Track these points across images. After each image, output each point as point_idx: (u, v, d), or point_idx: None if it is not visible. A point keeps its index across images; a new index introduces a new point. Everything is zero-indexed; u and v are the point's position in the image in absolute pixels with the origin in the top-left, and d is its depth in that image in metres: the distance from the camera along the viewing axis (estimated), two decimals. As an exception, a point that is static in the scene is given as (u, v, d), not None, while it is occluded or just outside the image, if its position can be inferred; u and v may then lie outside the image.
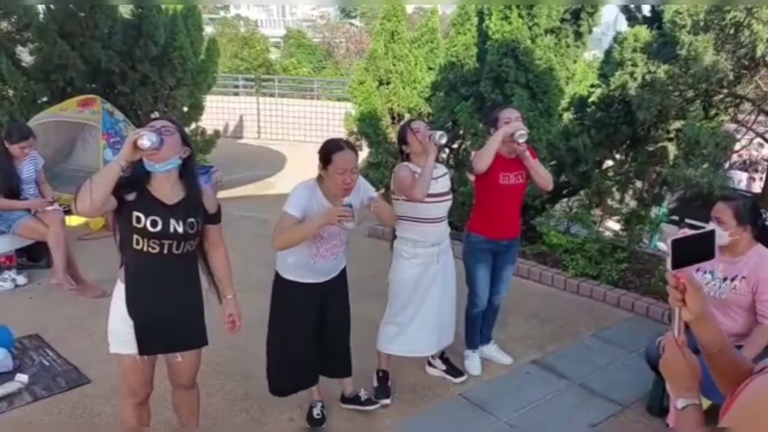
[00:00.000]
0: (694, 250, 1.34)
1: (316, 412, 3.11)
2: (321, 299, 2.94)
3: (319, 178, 2.77)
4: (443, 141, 3.08)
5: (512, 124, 3.26)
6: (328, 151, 2.72)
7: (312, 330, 2.94)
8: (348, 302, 3.10)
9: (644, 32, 4.62)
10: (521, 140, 3.25)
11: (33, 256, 5.04)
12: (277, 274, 2.91)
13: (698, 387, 1.30)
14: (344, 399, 3.26)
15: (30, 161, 4.74)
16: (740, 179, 6.93)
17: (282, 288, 2.91)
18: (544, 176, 3.45)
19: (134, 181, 2.25)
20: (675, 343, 1.33)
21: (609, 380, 3.60)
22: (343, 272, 3.04)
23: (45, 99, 6.77)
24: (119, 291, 2.39)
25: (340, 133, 10.44)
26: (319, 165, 2.77)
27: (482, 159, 3.26)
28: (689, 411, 1.26)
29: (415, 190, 3.02)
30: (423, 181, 3.01)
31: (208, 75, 7.83)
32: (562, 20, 5.02)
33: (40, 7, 6.70)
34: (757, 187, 6.34)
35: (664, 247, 5.95)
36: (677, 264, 1.32)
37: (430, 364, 3.63)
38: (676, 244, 1.32)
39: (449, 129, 5.33)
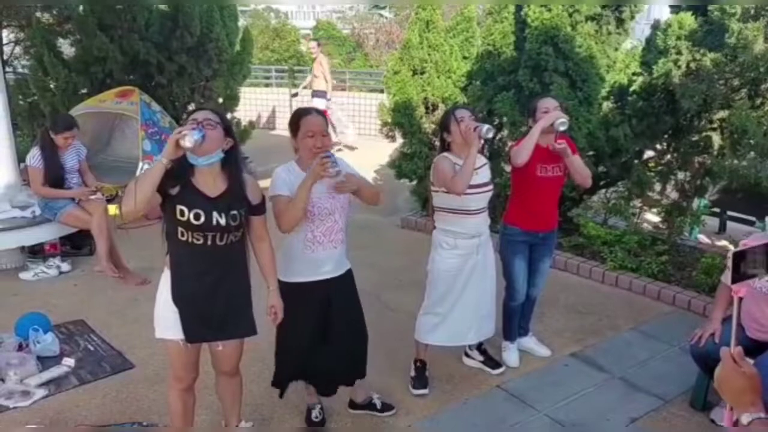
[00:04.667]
0: (756, 263, 1.26)
1: (314, 414, 3.00)
2: (322, 304, 2.74)
3: (299, 160, 2.66)
4: (490, 135, 3.02)
5: (551, 114, 3.19)
6: (296, 118, 2.64)
7: (312, 334, 2.76)
8: (358, 304, 2.91)
9: (689, 19, 4.50)
10: (561, 129, 3.17)
11: (76, 243, 5.16)
12: (278, 281, 2.68)
13: (761, 399, 1.23)
14: (355, 405, 3.11)
15: (73, 151, 4.86)
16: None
17: (283, 293, 2.65)
18: (582, 173, 3.37)
19: (178, 174, 2.27)
20: (731, 358, 1.27)
21: (650, 374, 3.54)
22: (349, 274, 2.86)
23: (85, 90, 6.90)
24: (165, 278, 2.43)
25: (372, 123, 10.41)
26: (290, 138, 2.69)
27: (521, 152, 3.20)
28: (756, 424, 1.21)
29: (455, 183, 2.96)
30: (464, 173, 2.95)
31: (243, 66, 7.87)
32: (603, 6, 4.90)
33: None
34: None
35: (704, 239, 5.81)
36: (738, 278, 1.26)
37: (467, 355, 3.61)
38: (738, 257, 1.25)
39: (492, 121, 5.27)
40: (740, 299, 1.36)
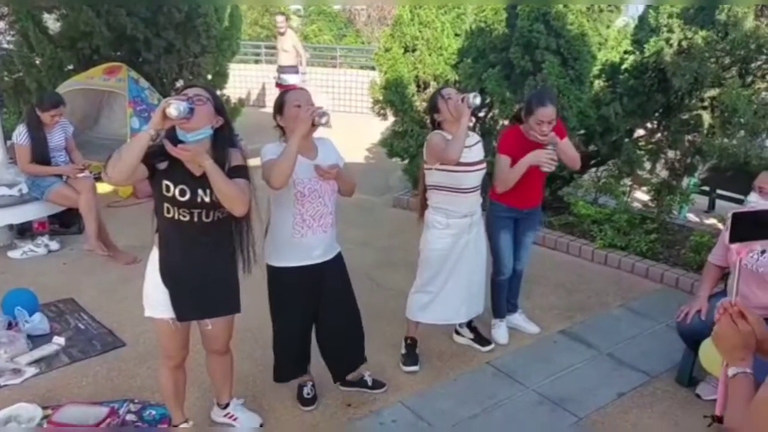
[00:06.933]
0: (756, 226, 1.33)
1: (306, 391, 3.01)
2: (313, 288, 2.75)
3: (286, 140, 2.63)
4: (478, 101, 3.02)
5: (541, 158, 3.21)
6: (281, 96, 2.70)
7: (304, 318, 2.81)
8: (349, 288, 2.91)
9: (681, -4, 4.48)
10: (545, 170, 3.26)
11: (65, 222, 5.12)
12: (267, 266, 2.74)
13: (752, 356, 1.31)
14: (346, 382, 3.12)
15: (60, 128, 4.80)
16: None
17: (272, 278, 2.75)
18: (571, 157, 3.41)
19: (166, 150, 2.24)
20: (729, 316, 1.34)
21: (637, 351, 3.59)
22: (339, 258, 2.86)
23: (71, 67, 6.80)
24: (154, 256, 2.43)
25: (364, 101, 10.32)
26: (276, 118, 2.70)
27: (508, 184, 3.31)
28: (739, 378, 1.30)
29: (448, 152, 2.96)
30: (456, 142, 2.96)
31: (232, 42, 7.77)
32: (596, -16, 4.87)
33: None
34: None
35: (693, 217, 5.86)
36: (735, 238, 1.31)
37: (457, 333, 3.64)
38: (737, 217, 1.31)
39: (485, 99, 5.24)
40: (740, 260, 1.43)
